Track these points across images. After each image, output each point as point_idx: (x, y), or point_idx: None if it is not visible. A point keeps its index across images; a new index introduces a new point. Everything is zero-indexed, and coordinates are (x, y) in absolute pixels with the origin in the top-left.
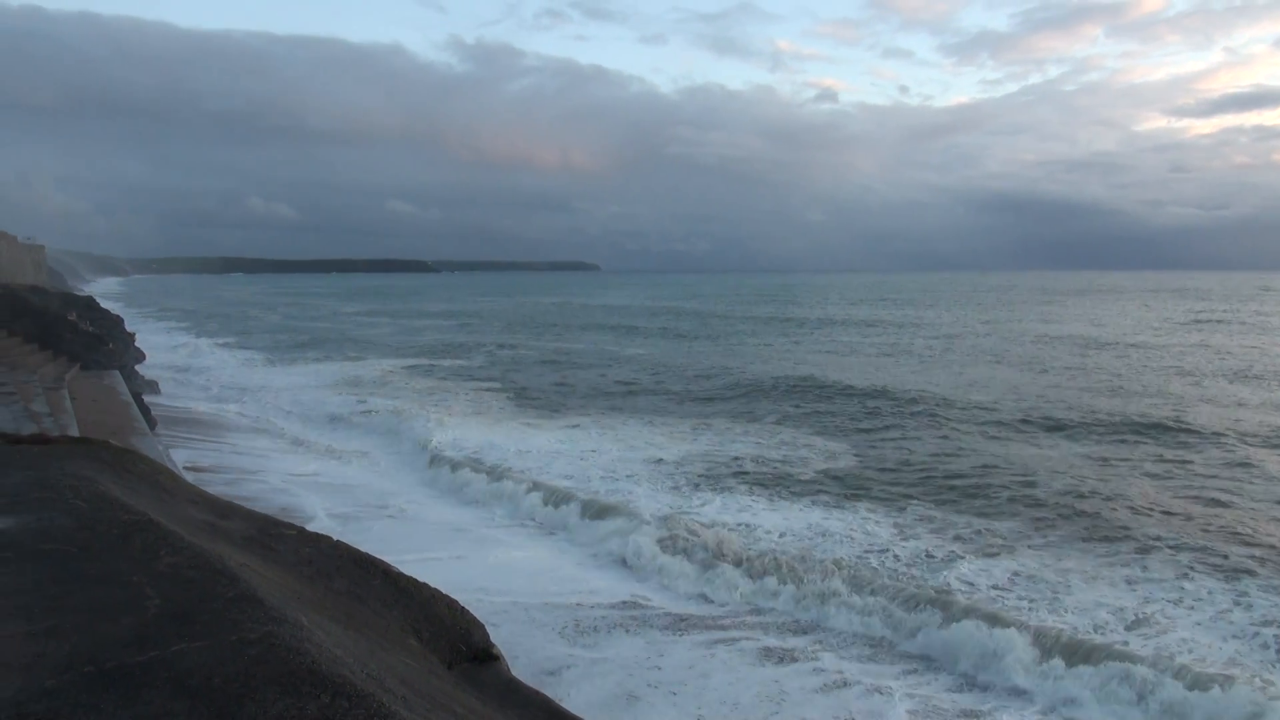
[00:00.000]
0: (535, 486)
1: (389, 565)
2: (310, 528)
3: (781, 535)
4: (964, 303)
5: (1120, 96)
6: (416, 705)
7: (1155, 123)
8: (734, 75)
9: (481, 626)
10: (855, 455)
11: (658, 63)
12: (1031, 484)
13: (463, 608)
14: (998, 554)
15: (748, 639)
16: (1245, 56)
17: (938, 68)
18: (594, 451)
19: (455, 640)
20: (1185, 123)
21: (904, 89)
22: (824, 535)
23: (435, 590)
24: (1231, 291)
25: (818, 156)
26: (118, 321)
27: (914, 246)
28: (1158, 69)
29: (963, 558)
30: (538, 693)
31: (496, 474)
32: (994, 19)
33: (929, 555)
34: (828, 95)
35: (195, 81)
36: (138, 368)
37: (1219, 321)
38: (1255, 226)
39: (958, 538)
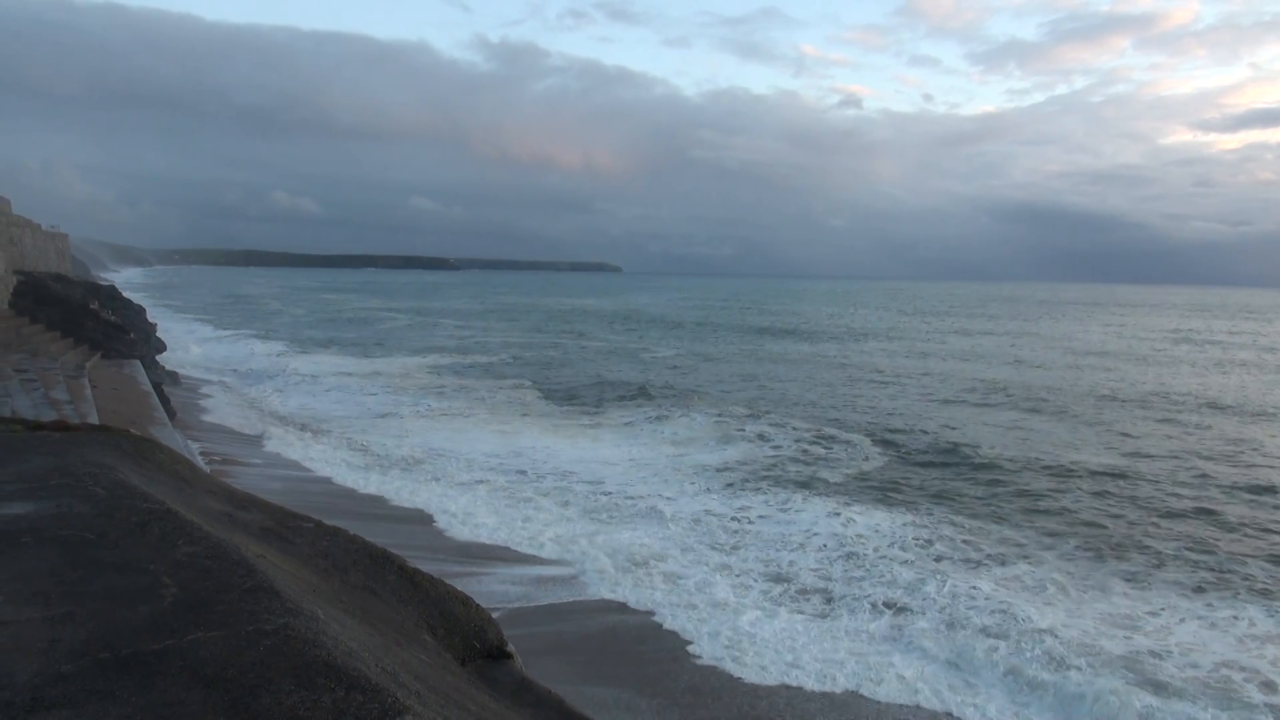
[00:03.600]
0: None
1: (404, 560)
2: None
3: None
4: (990, 314)
5: (1146, 109)
6: (430, 701)
7: (1180, 136)
8: (758, 79)
9: (495, 624)
10: (882, 462)
11: (681, 66)
12: (1045, 495)
13: (477, 605)
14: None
15: None
16: (1272, 73)
17: (964, 76)
18: (633, 460)
19: (469, 637)
20: (1211, 137)
21: (929, 97)
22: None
23: (450, 586)
24: (1256, 309)
25: (841, 162)
26: (140, 311)
27: (936, 254)
28: (1184, 83)
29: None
30: (550, 691)
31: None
32: (1022, 28)
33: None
34: (852, 101)
35: (221, 74)
36: (158, 358)
37: (1243, 344)
38: (1278, 243)
39: (970, 543)
